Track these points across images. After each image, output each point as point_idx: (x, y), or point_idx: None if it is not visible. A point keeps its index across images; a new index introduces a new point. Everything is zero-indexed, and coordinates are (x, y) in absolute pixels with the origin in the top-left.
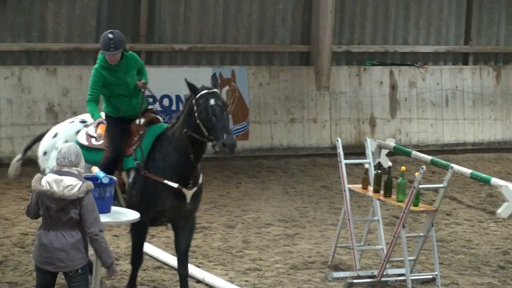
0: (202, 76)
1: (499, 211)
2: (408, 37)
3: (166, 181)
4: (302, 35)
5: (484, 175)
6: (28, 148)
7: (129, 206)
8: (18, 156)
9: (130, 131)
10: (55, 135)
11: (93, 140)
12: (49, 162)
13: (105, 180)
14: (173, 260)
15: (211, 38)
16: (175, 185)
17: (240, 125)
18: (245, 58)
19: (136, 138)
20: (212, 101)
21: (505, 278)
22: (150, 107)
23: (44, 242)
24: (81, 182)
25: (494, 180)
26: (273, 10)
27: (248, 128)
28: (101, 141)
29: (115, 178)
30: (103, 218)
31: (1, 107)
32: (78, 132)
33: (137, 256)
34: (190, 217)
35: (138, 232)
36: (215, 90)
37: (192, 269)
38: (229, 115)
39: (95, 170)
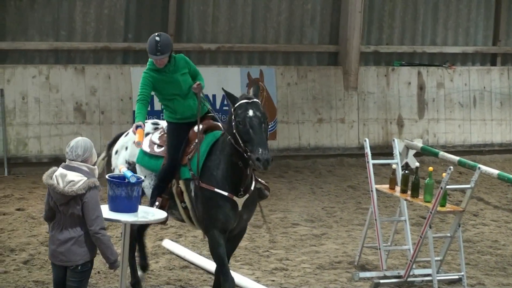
0: (230, 75)
1: None
2: (436, 37)
3: (217, 190)
4: (330, 35)
5: (511, 176)
6: (111, 145)
7: (199, 219)
8: (103, 155)
9: (188, 139)
10: (126, 135)
11: (155, 147)
12: (118, 161)
13: (133, 180)
14: (200, 260)
15: (239, 37)
16: (225, 193)
17: (268, 125)
18: (273, 58)
19: (192, 146)
20: (250, 112)
21: None
22: (210, 113)
23: (52, 235)
24: (84, 179)
25: None
26: (301, 10)
27: (276, 128)
28: (162, 148)
29: (142, 177)
30: (130, 217)
31: (29, 106)
32: (147, 134)
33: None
34: (244, 226)
35: (215, 249)
36: (255, 100)
37: (204, 262)
38: (268, 127)
39: (123, 169)
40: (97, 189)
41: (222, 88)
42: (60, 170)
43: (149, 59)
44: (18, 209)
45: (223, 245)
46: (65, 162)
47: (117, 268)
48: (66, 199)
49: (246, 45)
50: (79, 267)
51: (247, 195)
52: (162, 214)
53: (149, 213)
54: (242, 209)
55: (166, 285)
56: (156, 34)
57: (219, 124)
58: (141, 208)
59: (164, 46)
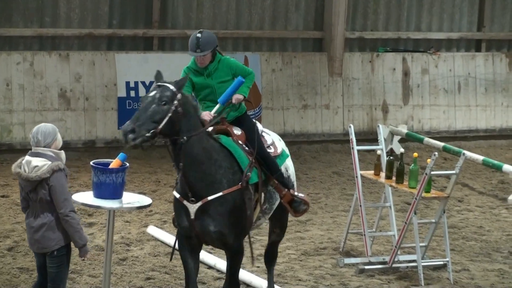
0: None
1: (510, 197)
2: (421, 23)
3: (174, 191)
4: (315, 21)
5: (496, 162)
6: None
7: None
8: None
9: None
10: None
11: None
12: None
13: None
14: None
15: (224, 24)
16: (177, 194)
17: (253, 111)
18: (258, 44)
19: None
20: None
21: None
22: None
23: (27, 224)
24: (48, 163)
25: (506, 167)
26: None
27: (261, 114)
28: None
29: (127, 164)
30: (115, 204)
31: (13, 92)
32: None
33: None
34: (224, 242)
35: (179, 248)
36: (157, 84)
37: (204, 255)
38: (172, 108)
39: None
40: (62, 172)
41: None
42: (26, 158)
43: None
44: (3, 196)
45: (185, 249)
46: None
47: (86, 254)
48: (33, 185)
49: (231, 31)
50: (55, 252)
51: (199, 203)
52: (147, 201)
53: (134, 200)
54: (204, 219)
55: (151, 272)
56: (198, 30)
57: (231, 131)
58: (126, 194)
59: (204, 43)
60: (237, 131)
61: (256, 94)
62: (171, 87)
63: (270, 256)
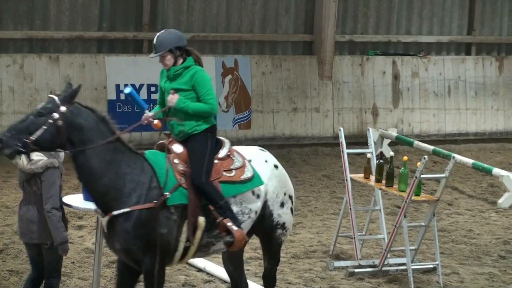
0: (205, 65)
1: (500, 201)
2: (411, 27)
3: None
4: (305, 25)
5: (485, 165)
6: None
7: None
8: None
9: None
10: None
11: None
12: None
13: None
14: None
15: (214, 27)
16: (93, 205)
17: (242, 114)
18: (248, 47)
19: None
20: None
21: (506, 267)
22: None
23: (20, 214)
24: (44, 159)
25: (496, 170)
26: None
27: (251, 117)
28: None
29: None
30: None
31: (3, 95)
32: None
33: None
34: (127, 259)
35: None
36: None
37: (193, 258)
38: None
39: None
40: (56, 169)
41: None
42: None
43: None
44: None
45: (118, 260)
46: None
47: (65, 252)
48: (27, 177)
49: (221, 35)
50: (51, 244)
51: (107, 217)
52: None
53: None
54: (112, 234)
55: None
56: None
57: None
58: None
59: (160, 44)
60: (177, 149)
61: (246, 97)
62: (56, 99)
63: (266, 282)
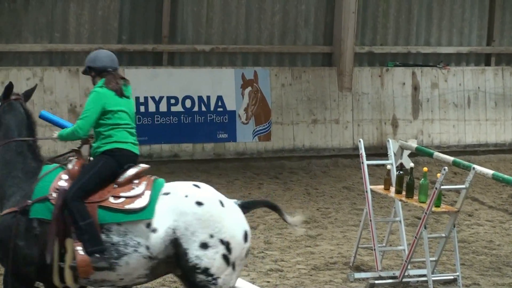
0: (224, 77)
1: None
2: (431, 38)
3: None
4: (324, 36)
5: (506, 176)
6: None
7: None
8: None
9: None
10: None
11: None
12: None
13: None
14: None
15: (233, 39)
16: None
17: (262, 126)
18: (267, 59)
19: None
20: None
21: None
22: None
23: None
24: None
25: None
26: (295, 11)
27: (271, 129)
28: None
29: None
30: None
31: None
32: None
33: None
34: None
35: None
36: None
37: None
38: None
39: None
40: None
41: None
42: None
43: None
44: None
45: None
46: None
47: None
48: None
49: (240, 46)
50: None
51: None
52: None
53: None
54: None
55: (161, 287)
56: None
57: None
58: None
59: (87, 62)
60: (72, 166)
61: (265, 109)
62: None
63: None
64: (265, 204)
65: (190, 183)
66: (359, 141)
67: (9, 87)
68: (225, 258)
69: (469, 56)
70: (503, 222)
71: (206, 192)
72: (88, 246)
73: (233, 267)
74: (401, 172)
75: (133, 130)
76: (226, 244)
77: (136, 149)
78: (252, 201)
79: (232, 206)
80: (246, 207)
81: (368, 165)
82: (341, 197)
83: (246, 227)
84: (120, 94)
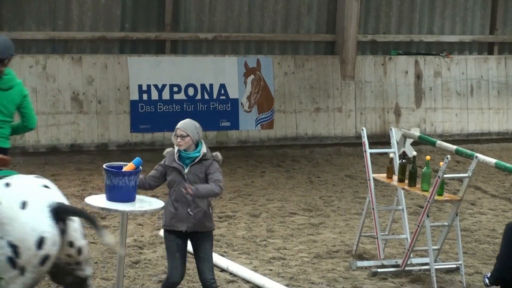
0: (227, 65)
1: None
2: (434, 26)
3: None
4: (327, 25)
5: (508, 165)
6: None
7: None
8: None
9: None
10: None
11: None
12: None
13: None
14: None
15: (236, 27)
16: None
17: (265, 114)
18: (270, 47)
19: None
20: None
21: None
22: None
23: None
24: None
25: None
26: None
27: (273, 117)
28: None
29: (141, 168)
30: (128, 207)
31: None
32: None
33: None
34: None
35: None
36: None
37: (216, 258)
38: None
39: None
40: None
41: None
42: None
43: None
44: None
45: None
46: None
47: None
48: None
49: (243, 35)
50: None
51: None
52: (159, 204)
53: (146, 202)
54: None
55: (164, 275)
56: None
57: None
58: (138, 197)
59: None
60: None
61: (268, 97)
62: None
63: None
64: (80, 215)
65: (32, 179)
66: (362, 129)
67: None
68: (11, 260)
69: (472, 45)
70: (506, 211)
71: (18, 191)
72: None
73: (22, 272)
74: (403, 161)
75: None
76: (14, 247)
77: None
78: (66, 208)
79: (37, 210)
80: (59, 213)
81: (371, 154)
82: (344, 185)
83: (45, 233)
84: None
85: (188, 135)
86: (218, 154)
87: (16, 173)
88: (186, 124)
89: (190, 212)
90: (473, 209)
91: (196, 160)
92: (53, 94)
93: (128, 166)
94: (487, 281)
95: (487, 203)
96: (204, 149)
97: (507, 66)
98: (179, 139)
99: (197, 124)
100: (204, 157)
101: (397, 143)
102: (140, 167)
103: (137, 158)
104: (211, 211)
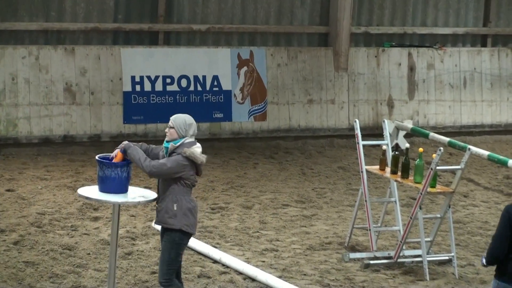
0: (220, 56)
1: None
2: (427, 18)
3: None
4: (320, 16)
5: (501, 157)
6: None
7: None
8: None
9: None
10: None
11: None
12: None
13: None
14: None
15: (229, 18)
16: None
17: (258, 106)
18: (263, 39)
19: None
20: None
21: None
22: None
23: (194, 207)
24: None
25: None
26: None
27: (266, 109)
28: None
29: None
30: (120, 198)
31: (19, 86)
32: None
33: None
34: None
35: None
36: None
37: (209, 250)
38: None
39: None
40: None
41: None
42: (199, 145)
43: None
44: (8, 190)
45: None
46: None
47: None
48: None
49: (237, 26)
50: None
51: None
52: (152, 195)
53: (138, 194)
54: None
55: (157, 266)
56: None
57: None
58: (131, 189)
59: None
60: None
61: (261, 89)
62: None
63: None
64: None
65: None
66: (355, 121)
67: None
68: None
69: (465, 37)
70: (498, 203)
71: None
72: None
73: None
74: (396, 153)
75: None
76: None
77: None
78: None
79: None
80: None
81: (364, 146)
82: (337, 177)
83: None
84: None
85: (173, 127)
86: (187, 151)
87: None
88: (176, 117)
89: (156, 206)
90: (466, 201)
91: (169, 152)
92: (46, 85)
93: (117, 157)
94: (484, 261)
95: (479, 195)
96: (180, 144)
97: (500, 58)
98: (166, 129)
99: (188, 121)
100: (175, 151)
101: (390, 135)
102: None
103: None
104: (175, 208)
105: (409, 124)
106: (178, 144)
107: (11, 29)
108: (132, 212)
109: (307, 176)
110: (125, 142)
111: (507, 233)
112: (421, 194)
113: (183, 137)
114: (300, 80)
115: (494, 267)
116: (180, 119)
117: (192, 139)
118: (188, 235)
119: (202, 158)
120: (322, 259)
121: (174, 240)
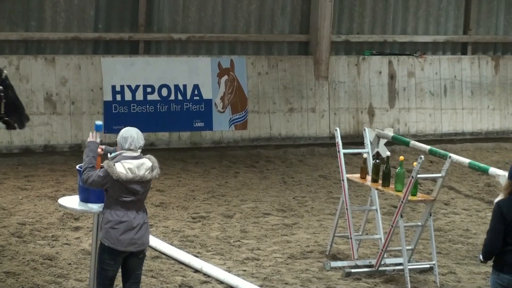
0: (201, 65)
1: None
2: (407, 27)
3: None
4: (301, 25)
5: (482, 165)
6: None
7: None
8: None
9: None
10: None
11: None
12: None
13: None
14: (171, 250)
15: (210, 27)
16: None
17: (238, 114)
18: (244, 48)
19: None
20: None
21: None
22: None
23: (125, 224)
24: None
25: (492, 170)
26: None
27: (247, 117)
28: None
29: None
30: (102, 207)
31: None
32: None
33: None
34: None
35: None
36: None
37: (190, 259)
38: None
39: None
40: None
41: None
42: (137, 161)
43: None
44: None
45: None
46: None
47: None
48: (147, 186)
49: (217, 35)
50: (145, 252)
51: None
52: None
53: None
54: None
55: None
56: None
57: None
58: None
59: None
60: None
61: (242, 98)
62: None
63: None
64: None
65: None
66: (336, 129)
67: None
68: None
69: (445, 45)
70: (479, 211)
71: None
72: None
73: None
74: (377, 161)
75: None
76: None
77: None
78: None
79: None
80: None
81: (345, 154)
82: (318, 185)
83: None
84: None
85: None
86: (107, 163)
87: None
88: (122, 130)
89: None
90: (447, 209)
91: None
92: (26, 95)
93: (97, 164)
94: (481, 257)
95: (460, 203)
96: (115, 156)
97: (480, 66)
98: None
99: (125, 134)
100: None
101: (371, 143)
102: (100, 137)
103: (97, 123)
104: (101, 220)
105: (390, 132)
106: (113, 155)
107: None
108: None
109: (288, 184)
110: (103, 146)
111: (501, 227)
112: (402, 202)
113: (121, 148)
114: (281, 89)
115: (477, 275)
116: (121, 132)
117: (135, 153)
118: (110, 250)
119: (120, 174)
120: (304, 268)
121: (99, 253)
